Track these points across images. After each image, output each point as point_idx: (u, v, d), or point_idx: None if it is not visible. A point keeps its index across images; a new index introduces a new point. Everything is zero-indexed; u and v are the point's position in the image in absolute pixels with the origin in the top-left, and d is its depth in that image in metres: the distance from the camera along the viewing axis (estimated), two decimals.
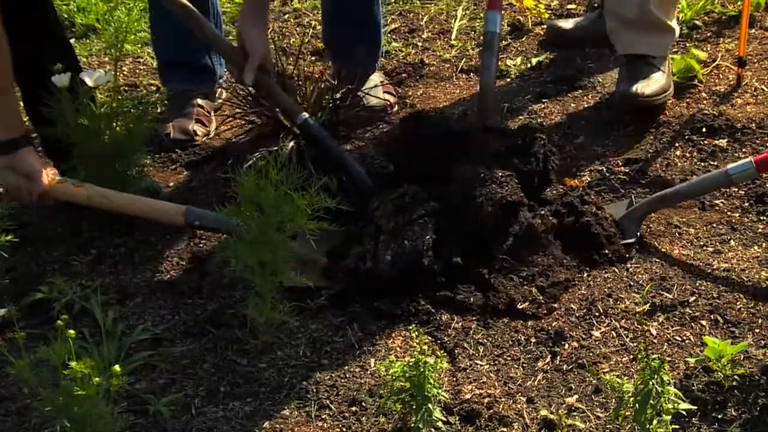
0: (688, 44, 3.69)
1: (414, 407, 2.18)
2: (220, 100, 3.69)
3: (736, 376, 2.29)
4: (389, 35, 4.21)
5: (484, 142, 2.95)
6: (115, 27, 3.05)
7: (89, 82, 2.92)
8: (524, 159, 2.89)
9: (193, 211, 2.87)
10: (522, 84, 3.73)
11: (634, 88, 3.25)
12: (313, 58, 3.96)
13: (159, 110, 3.52)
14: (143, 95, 3.62)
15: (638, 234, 2.81)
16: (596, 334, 2.50)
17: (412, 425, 2.18)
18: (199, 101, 3.58)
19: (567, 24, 3.96)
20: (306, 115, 3.04)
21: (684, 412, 2.14)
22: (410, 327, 2.53)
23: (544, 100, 3.57)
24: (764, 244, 2.75)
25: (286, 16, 4.48)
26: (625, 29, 3.38)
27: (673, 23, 3.39)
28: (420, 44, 4.15)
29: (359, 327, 2.58)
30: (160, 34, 3.66)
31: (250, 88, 3.15)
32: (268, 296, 2.45)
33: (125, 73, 4.05)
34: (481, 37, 4.07)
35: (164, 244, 3.00)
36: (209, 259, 2.89)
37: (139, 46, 4.25)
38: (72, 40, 4.33)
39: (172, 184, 3.28)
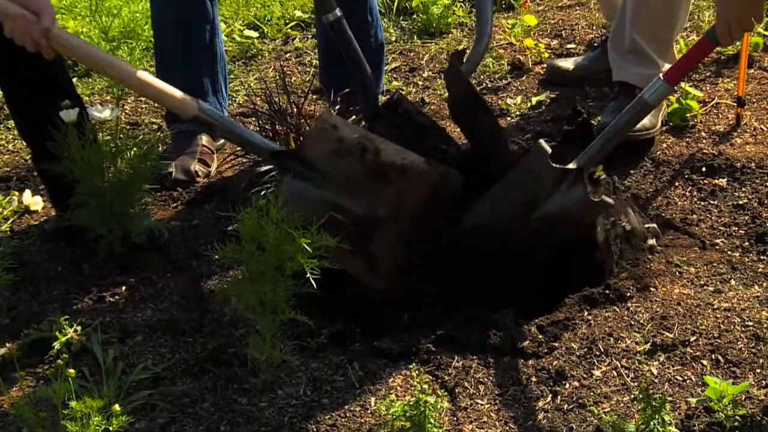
0: (687, 84, 3.70)
1: None
2: (222, 140, 3.70)
3: (737, 417, 2.29)
4: (390, 74, 4.23)
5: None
6: None
7: (97, 116, 2.93)
8: None
9: (207, 109, 2.73)
10: (522, 123, 3.75)
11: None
12: (315, 96, 3.98)
13: (161, 148, 3.53)
14: (145, 133, 3.63)
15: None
16: (597, 373, 2.50)
17: None
18: (203, 139, 3.60)
19: (567, 63, 3.98)
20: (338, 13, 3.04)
21: None
22: (411, 366, 2.53)
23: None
24: (765, 284, 2.75)
25: (288, 55, 4.51)
26: (621, 58, 3.46)
27: (663, 61, 3.41)
28: (420, 83, 4.17)
29: (360, 366, 2.57)
30: (167, 78, 3.69)
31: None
32: (268, 335, 2.45)
33: (127, 111, 4.07)
34: (482, 77, 4.10)
35: (165, 283, 3.00)
36: (210, 298, 2.89)
37: None
38: (74, 79, 4.36)
39: (173, 222, 3.28)
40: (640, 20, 3.38)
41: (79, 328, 2.76)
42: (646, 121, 3.31)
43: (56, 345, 2.69)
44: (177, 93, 2.66)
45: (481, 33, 3.09)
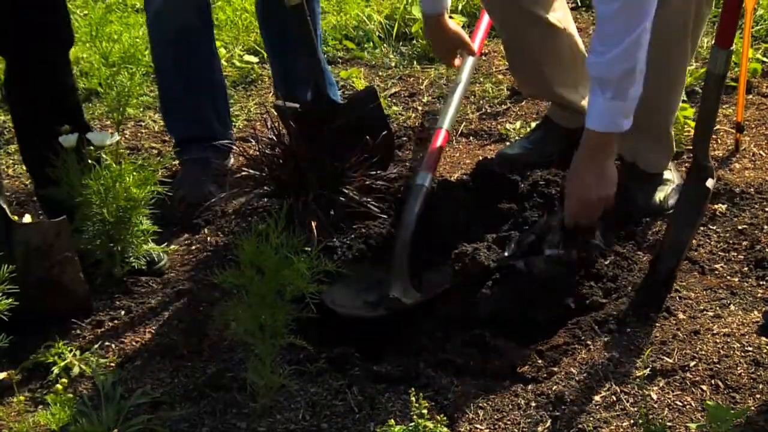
0: (687, 109, 3.71)
1: None
2: (229, 165, 3.71)
3: None
4: (389, 99, 4.25)
5: None
6: (117, 91, 3.09)
7: (95, 142, 2.95)
8: None
9: None
10: None
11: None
12: None
13: (160, 174, 3.53)
14: (145, 158, 3.64)
15: None
16: (597, 398, 2.49)
17: None
18: (213, 165, 3.62)
19: (513, 150, 3.64)
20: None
21: None
22: (410, 390, 2.51)
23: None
24: (764, 309, 2.75)
25: None
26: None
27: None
28: (420, 108, 4.18)
29: (359, 390, 2.57)
30: (174, 113, 3.72)
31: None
32: (267, 359, 2.45)
33: (127, 136, 4.08)
34: (482, 102, 4.12)
35: (163, 307, 3.00)
36: (209, 322, 2.89)
37: (141, 109, 4.28)
38: None
39: (172, 246, 3.28)
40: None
41: (78, 352, 2.76)
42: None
43: (55, 370, 2.69)
44: None
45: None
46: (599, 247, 2.94)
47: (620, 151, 3.16)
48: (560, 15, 3.37)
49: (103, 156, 2.99)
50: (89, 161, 2.93)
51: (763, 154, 3.52)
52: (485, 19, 3.67)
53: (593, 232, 2.94)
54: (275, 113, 3.38)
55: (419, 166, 3.28)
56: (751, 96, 3.91)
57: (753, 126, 3.70)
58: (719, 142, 3.61)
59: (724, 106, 3.80)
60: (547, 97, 3.56)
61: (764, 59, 4.15)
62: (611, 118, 2.72)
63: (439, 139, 3.32)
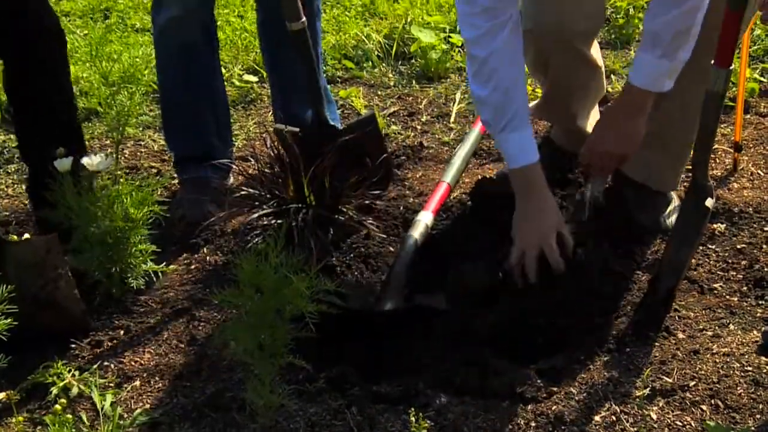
0: None
1: None
2: (229, 185, 3.71)
3: None
4: (388, 118, 4.26)
5: None
6: (117, 110, 3.09)
7: (90, 167, 2.96)
8: None
9: None
10: None
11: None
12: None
13: (159, 193, 3.54)
14: (144, 178, 3.64)
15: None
16: (596, 418, 2.49)
17: None
18: (216, 183, 3.62)
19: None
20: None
21: None
22: (409, 410, 2.51)
23: None
24: (763, 328, 2.75)
25: None
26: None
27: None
28: (419, 127, 4.19)
29: (358, 410, 2.56)
30: (173, 131, 3.73)
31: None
32: (267, 379, 2.44)
33: (126, 155, 4.08)
34: None
35: (163, 327, 3.00)
36: (208, 342, 2.89)
37: (141, 129, 4.29)
38: None
39: (171, 266, 3.28)
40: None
41: (77, 372, 2.76)
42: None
43: (54, 390, 2.69)
44: None
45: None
46: (598, 199, 3.02)
47: (631, 171, 3.14)
48: (596, 53, 3.42)
49: (100, 179, 3.00)
50: (86, 183, 2.94)
51: (761, 174, 3.52)
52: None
53: (601, 180, 3.03)
54: (274, 135, 3.39)
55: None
56: (748, 115, 3.92)
57: (751, 146, 3.70)
58: (718, 161, 3.61)
59: (722, 126, 3.81)
60: (564, 126, 3.56)
61: (762, 79, 4.17)
62: (656, 76, 2.74)
63: (441, 190, 3.41)
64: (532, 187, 2.88)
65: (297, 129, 3.35)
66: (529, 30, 3.18)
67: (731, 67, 2.59)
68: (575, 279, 2.86)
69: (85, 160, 2.99)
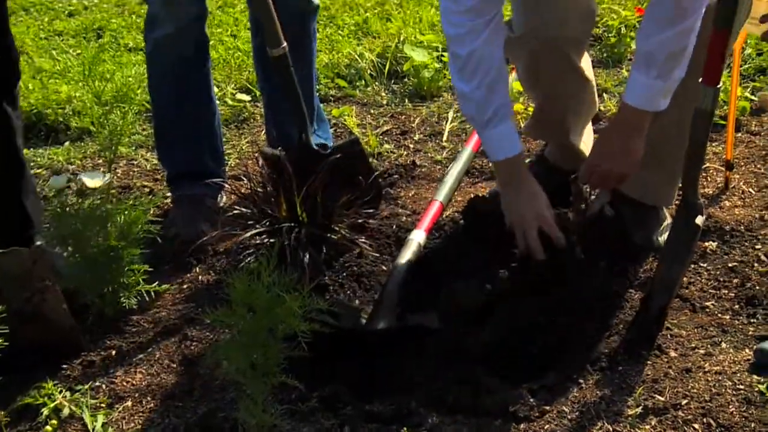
0: None
1: None
2: (221, 204, 3.71)
3: None
4: (381, 137, 4.26)
5: None
6: (109, 130, 3.09)
7: (89, 183, 2.96)
8: None
9: None
10: None
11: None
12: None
13: (152, 212, 3.54)
14: (136, 197, 3.64)
15: None
16: None
17: None
18: (210, 202, 3.62)
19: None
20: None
21: None
22: (402, 430, 2.51)
23: None
24: (755, 347, 2.75)
25: None
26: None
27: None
28: (412, 146, 4.20)
29: (351, 430, 2.55)
30: (167, 146, 3.74)
31: None
32: (259, 399, 2.43)
33: (119, 175, 4.08)
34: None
35: (155, 347, 2.99)
36: (200, 361, 2.88)
37: (133, 148, 4.30)
38: (66, 143, 4.39)
39: (164, 285, 3.28)
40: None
41: (68, 393, 2.75)
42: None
43: (44, 411, 2.68)
44: None
45: None
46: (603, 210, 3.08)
47: (627, 187, 3.13)
48: (587, 66, 3.43)
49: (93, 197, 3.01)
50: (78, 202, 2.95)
51: (753, 192, 3.53)
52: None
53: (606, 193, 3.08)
54: (262, 158, 3.40)
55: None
56: (740, 134, 3.93)
57: (742, 164, 3.72)
58: (709, 179, 3.62)
59: (713, 144, 3.82)
60: (557, 143, 3.57)
61: (753, 97, 4.18)
62: (651, 96, 2.75)
63: (434, 209, 3.44)
64: (518, 176, 2.98)
65: (283, 151, 3.35)
66: (520, 37, 3.20)
67: (719, 86, 2.60)
68: (568, 296, 2.87)
69: (83, 176, 2.99)
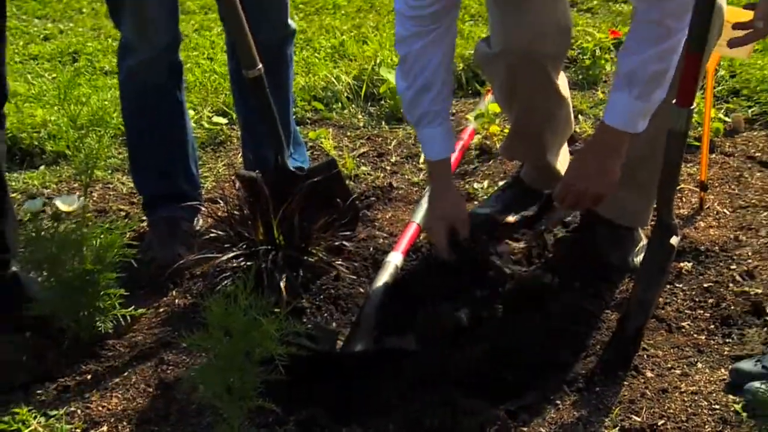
0: None
1: None
2: (198, 227, 3.70)
3: None
4: (358, 159, 4.27)
5: None
6: (85, 153, 3.08)
7: (62, 207, 2.95)
8: None
9: None
10: None
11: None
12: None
13: (128, 236, 3.52)
14: (113, 221, 3.63)
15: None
16: None
17: None
18: (186, 225, 3.61)
19: (483, 210, 3.64)
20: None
21: None
22: None
23: None
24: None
25: None
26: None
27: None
28: (388, 168, 4.21)
29: None
30: (142, 171, 3.73)
31: None
32: (236, 423, 2.43)
33: (95, 198, 4.07)
34: None
35: (131, 371, 2.97)
36: (177, 386, 2.86)
37: (109, 171, 4.28)
38: (42, 167, 4.37)
39: (140, 309, 3.26)
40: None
41: (42, 418, 2.73)
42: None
43: None
44: None
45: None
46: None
47: (603, 209, 3.14)
48: (563, 84, 3.45)
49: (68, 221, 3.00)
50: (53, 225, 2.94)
51: (727, 213, 3.56)
52: None
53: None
54: (238, 181, 3.40)
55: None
56: (714, 155, 3.96)
57: (717, 185, 3.74)
58: (684, 200, 3.65)
59: (688, 165, 3.85)
60: (534, 163, 3.58)
61: (726, 119, 4.21)
62: (631, 116, 2.75)
63: (411, 231, 3.46)
64: (439, 177, 3.18)
65: (260, 174, 3.35)
66: (497, 53, 3.23)
67: (693, 107, 2.62)
68: (545, 318, 2.88)
69: (57, 201, 2.98)
